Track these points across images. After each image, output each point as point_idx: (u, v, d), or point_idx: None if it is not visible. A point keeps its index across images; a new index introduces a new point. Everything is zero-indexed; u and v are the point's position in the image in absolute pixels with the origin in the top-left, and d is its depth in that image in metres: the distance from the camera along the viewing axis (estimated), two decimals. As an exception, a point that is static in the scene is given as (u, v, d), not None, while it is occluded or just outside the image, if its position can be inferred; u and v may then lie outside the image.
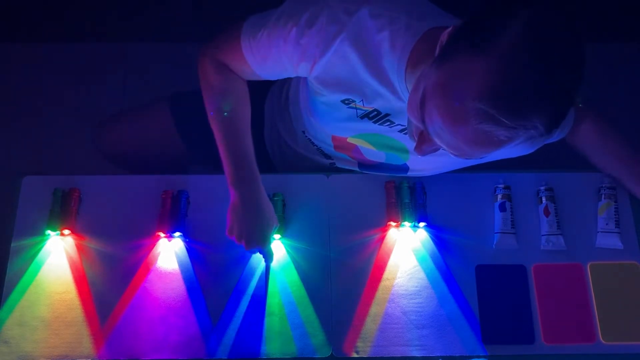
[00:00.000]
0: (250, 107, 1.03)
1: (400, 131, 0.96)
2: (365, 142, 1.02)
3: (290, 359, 0.97)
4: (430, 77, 0.71)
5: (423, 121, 0.73)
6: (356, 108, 0.93)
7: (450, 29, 0.72)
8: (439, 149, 0.76)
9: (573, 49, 0.66)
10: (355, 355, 0.98)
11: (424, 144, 0.77)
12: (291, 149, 1.18)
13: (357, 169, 1.11)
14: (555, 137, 1.01)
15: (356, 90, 0.90)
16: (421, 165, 1.05)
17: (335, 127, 1.02)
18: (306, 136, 1.11)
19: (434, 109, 0.70)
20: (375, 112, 0.93)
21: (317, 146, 1.11)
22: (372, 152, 1.04)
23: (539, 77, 0.64)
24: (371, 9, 0.84)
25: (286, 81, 1.16)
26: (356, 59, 0.86)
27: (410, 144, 0.99)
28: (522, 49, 0.64)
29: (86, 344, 0.97)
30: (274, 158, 1.25)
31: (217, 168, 1.01)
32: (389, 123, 0.94)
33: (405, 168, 1.07)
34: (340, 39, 0.85)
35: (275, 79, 1.02)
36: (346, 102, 0.93)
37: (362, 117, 0.95)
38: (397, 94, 0.88)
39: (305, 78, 0.98)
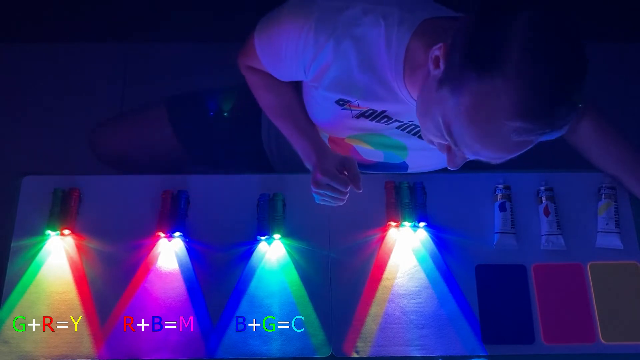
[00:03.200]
0: (253, 105, 1.04)
1: (398, 128, 0.96)
2: (362, 142, 1.02)
3: (290, 359, 0.97)
4: (446, 103, 0.71)
5: (456, 145, 0.75)
6: (350, 109, 0.93)
7: (444, 46, 0.72)
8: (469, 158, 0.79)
9: (576, 42, 0.67)
10: (355, 355, 0.98)
11: (455, 158, 0.78)
12: (290, 151, 1.18)
13: None
14: (553, 135, 1.01)
15: (351, 90, 0.90)
16: (421, 162, 1.05)
17: (332, 128, 1.02)
18: None
19: (467, 136, 0.72)
20: (371, 111, 0.92)
21: None
22: (370, 152, 1.04)
23: (560, 78, 0.66)
24: (363, 4, 0.84)
25: None
26: (351, 57, 0.86)
27: (408, 141, 0.99)
28: (533, 56, 0.65)
29: (86, 344, 0.97)
30: (272, 159, 1.25)
31: (216, 169, 1.01)
32: (385, 120, 0.94)
33: (404, 166, 1.06)
34: (334, 38, 0.85)
35: (288, 80, 1.02)
36: (340, 102, 0.92)
37: (357, 117, 0.94)
38: (393, 92, 0.87)
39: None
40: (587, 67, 0.68)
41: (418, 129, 0.95)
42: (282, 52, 0.91)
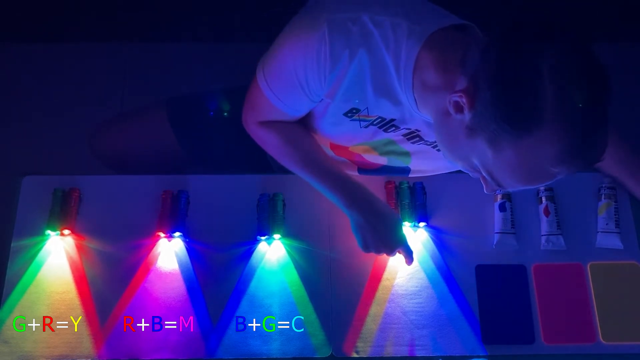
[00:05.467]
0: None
1: (404, 136, 0.96)
2: (368, 147, 1.02)
3: (290, 359, 0.97)
4: (483, 153, 0.74)
5: (499, 185, 0.78)
6: (359, 120, 0.93)
7: (465, 95, 0.73)
8: None
9: (600, 71, 0.68)
10: (355, 355, 0.98)
11: (493, 185, 0.80)
12: None
13: (356, 173, 1.10)
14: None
15: (362, 98, 0.89)
16: (423, 168, 1.05)
17: (339, 139, 1.01)
18: None
19: (510, 180, 0.75)
20: (380, 119, 0.92)
21: None
22: (373, 156, 1.04)
23: (595, 113, 0.68)
24: (371, 16, 0.83)
25: None
26: (364, 65, 0.85)
27: (413, 148, 0.99)
28: (569, 104, 0.67)
29: (86, 344, 0.97)
30: (272, 161, 1.25)
31: (216, 169, 1.01)
32: (394, 128, 0.94)
33: (406, 170, 1.06)
34: (350, 47, 0.83)
35: (301, 113, 0.99)
36: (349, 114, 0.92)
37: (366, 127, 0.94)
38: (401, 104, 0.87)
39: None
40: (610, 88, 0.69)
41: (424, 140, 0.96)
42: (297, 77, 0.88)
